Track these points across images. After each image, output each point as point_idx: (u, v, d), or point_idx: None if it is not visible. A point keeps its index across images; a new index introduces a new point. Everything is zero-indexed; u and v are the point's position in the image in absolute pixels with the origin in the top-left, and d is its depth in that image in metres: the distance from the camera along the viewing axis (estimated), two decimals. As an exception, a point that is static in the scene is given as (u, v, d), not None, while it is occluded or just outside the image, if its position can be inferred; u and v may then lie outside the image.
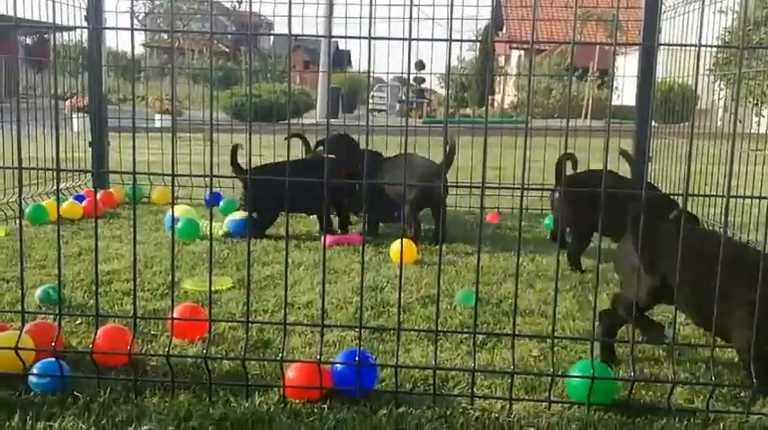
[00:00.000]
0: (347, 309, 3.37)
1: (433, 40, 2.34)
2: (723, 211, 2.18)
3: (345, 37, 2.26)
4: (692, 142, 2.26)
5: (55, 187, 5.87)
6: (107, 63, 7.01)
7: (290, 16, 2.23)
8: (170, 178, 2.36)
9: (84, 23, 6.26)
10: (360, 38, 2.17)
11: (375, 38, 2.24)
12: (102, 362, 2.46)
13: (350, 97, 20.27)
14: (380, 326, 3.09)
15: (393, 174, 4.79)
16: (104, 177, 6.48)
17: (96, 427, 2.14)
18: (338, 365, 2.39)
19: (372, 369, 2.41)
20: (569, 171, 4.28)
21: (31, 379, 2.36)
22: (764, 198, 2.17)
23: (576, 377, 2.35)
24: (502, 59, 37.99)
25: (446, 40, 2.22)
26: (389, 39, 2.43)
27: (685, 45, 2.05)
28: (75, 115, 8.33)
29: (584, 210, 3.88)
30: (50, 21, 5.53)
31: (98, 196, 5.82)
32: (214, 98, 9.08)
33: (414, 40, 2.22)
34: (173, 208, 2.43)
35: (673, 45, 5.43)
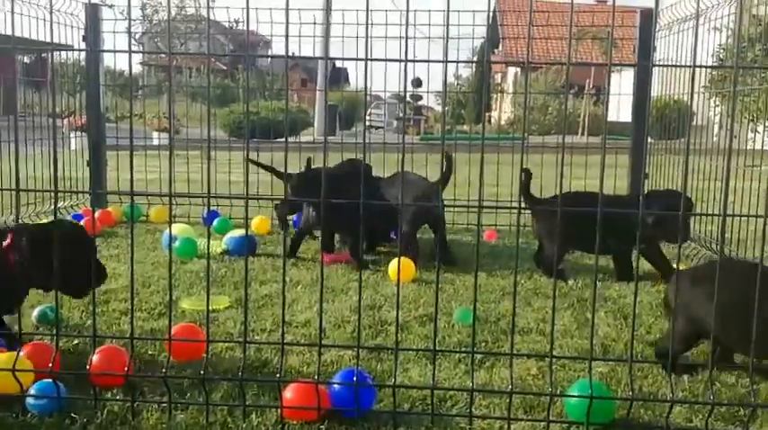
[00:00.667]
0: (345, 328, 3.36)
1: (429, 61, 2.35)
2: (720, 229, 2.19)
3: (343, 59, 2.27)
4: (688, 159, 2.27)
5: (53, 207, 5.89)
6: (105, 82, 7.02)
7: (287, 36, 2.25)
8: (165, 197, 2.36)
9: (82, 43, 6.28)
10: (357, 59, 2.18)
11: (372, 59, 2.25)
12: (99, 383, 2.45)
13: (347, 115, 20.31)
14: (378, 345, 3.08)
15: (390, 194, 4.79)
16: (102, 196, 6.48)
17: (93, 449, 2.12)
18: (336, 386, 2.38)
19: (370, 389, 2.41)
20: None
21: (29, 400, 2.35)
22: (760, 216, 2.17)
23: (575, 397, 2.34)
24: (499, 77, 38.18)
25: (442, 61, 2.24)
26: (386, 60, 2.43)
27: (680, 66, 2.07)
28: (73, 134, 8.34)
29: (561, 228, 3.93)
30: (48, 40, 5.56)
31: (96, 215, 5.83)
32: (212, 116, 9.11)
33: (410, 61, 2.23)
34: (170, 227, 2.42)
35: (667, 66, 5.47)
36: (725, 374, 2.81)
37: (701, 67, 2.26)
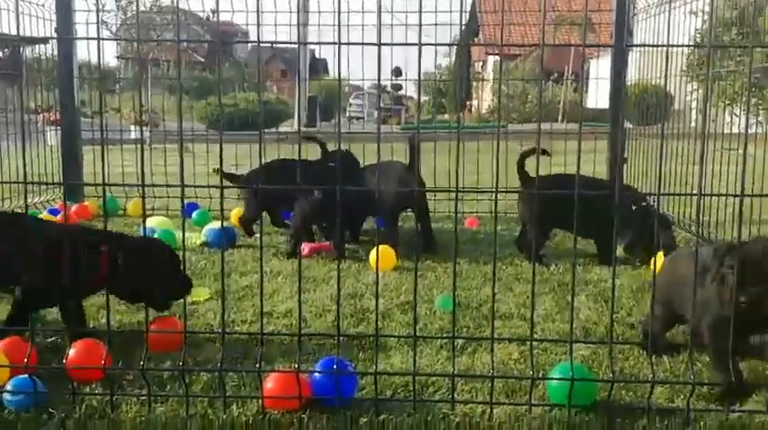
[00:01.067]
0: (326, 317, 3.34)
1: (404, 44, 2.33)
2: (696, 209, 2.19)
3: (318, 43, 2.24)
4: (665, 143, 2.27)
5: (29, 200, 5.81)
6: (79, 75, 6.93)
7: (258, 24, 2.21)
8: (144, 189, 2.33)
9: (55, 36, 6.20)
10: (330, 43, 2.15)
11: (345, 43, 2.23)
12: (77, 377, 2.42)
13: (327, 105, 20.23)
14: (359, 333, 3.06)
15: (370, 183, 4.78)
16: (79, 190, 6.40)
17: (71, 444, 2.09)
18: (317, 375, 2.37)
19: (351, 377, 2.39)
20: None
21: (5, 396, 2.31)
22: (736, 195, 2.17)
23: (556, 379, 2.34)
24: (479, 65, 38.16)
25: (416, 44, 2.21)
26: (361, 44, 2.41)
27: (655, 45, 2.06)
28: (48, 128, 8.24)
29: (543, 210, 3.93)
30: (19, 34, 5.48)
31: (73, 209, 5.76)
32: (191, 109, 9.05)
33: (384, 44, 2.21)
34: (144, 219, 2.39)
35: (641, 45, 5.48)
36: (706, 354, 2.82)
37: (674, 46, 2.26)
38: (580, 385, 2.27)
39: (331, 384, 2.32)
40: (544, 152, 4.17)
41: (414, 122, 23.37)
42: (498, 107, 3.36)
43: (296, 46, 21.21)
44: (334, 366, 2.32)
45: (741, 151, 2.35)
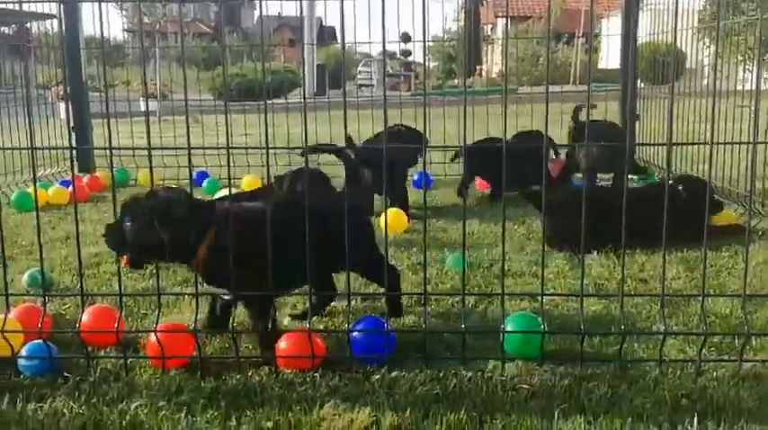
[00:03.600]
0: (338, 279, 3.34)
1: (407, -3, 2.29)
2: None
3: (319, -1, 2.21)
4: (677, 101, 2.23)
5: (40, 173, 5.83)
6: (86, 48, 6.91)
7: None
8: (154, 160, 2.33)
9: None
10: (333, -1, 2.12)
11: (349, -1, 2.19)
12: (90, 341, 2.44)
13: (336, 74, 20.10)
14: (369, 292, 3.06)
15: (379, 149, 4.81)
16: (90, 161, 6.42)
17: (87, 406, 2.12)
18: (356, 334, 2.38)
19: (391, 335, 2.41)
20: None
21: (21, 362, 2.34)
22: (748, 143, 2.14)
23: (567, 334, 2.34)
24: (488, 28, 37.72)
25: (421, -2, 2.18)
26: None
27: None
28: (60, 102, 8.26)
29: None
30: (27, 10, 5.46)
31: (84, 180, 5.79)
32: (198, 81, 9.01)
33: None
34: (151, 183, 2.39)
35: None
36: (718, 306, 2.81)
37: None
38: (530, 336, 2.33)
39: (368, 342, 2.37)
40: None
41: (422, 89, 23.21)
42: (506, 71, 3.35)
43: (304, 15, 21.04)
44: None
45: (753, 106, 2.31)
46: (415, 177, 5.72)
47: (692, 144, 2.30)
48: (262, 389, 2.21)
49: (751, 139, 2.18)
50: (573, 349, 2.41)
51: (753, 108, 2.24)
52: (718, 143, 2.22)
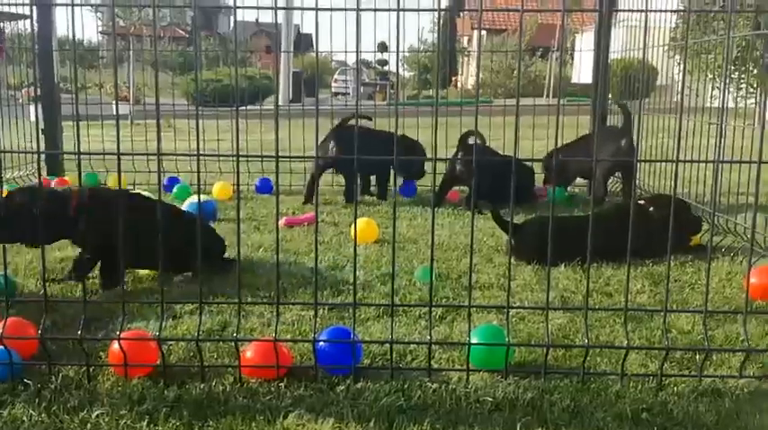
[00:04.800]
0: (306, 289, 3.34)
1: (378, 9, 2.31)
2: (673, 176, 2.19)
3: (292, 8, 2.22)
4: (649, 118, 2.27)
5: (8, 175, 5.75)
6: (59, 50, 6.85)
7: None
8: (125, 164, 2.31)
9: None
10: (305, 9, 2.13)
11: (322, 9, 2.21)
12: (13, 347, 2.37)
13: (312, 81, 20.09)
14: (336, 303, 3.06)
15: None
16: (58, 165, 6.35)
17: (47, 414, 2.09)
18: (323, 344, 2.37)
19: (357, 346, 2.40)
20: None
21: (-20, 368, 2.30)
22: (711, 161, 2.18)
23: (532, 346, 2.35)
24: (465, 40, 37.99)
25: (396, 10, 2.19)
26: (332, 10, 2.39)
27: (634, 11, 2.05)
28: (31, 104, 8.17)
29: None
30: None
31: (53, 183, 5.71)
32: (173, 85, 8.96)
33: (362, 10, 2.19)
34: (120, 189, 2.37)
35: (621, 11, 5.46)
36: (680, 321, 2.85)
37: (653, 11, 2.25)
38: (497, 349, 2.34)
39: (335, 353, 2.36)
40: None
41: (399, 98, 23.29)
42: (477, 83, 3.38)
43: (281, 22, 21.03)
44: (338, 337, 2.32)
45: (718, 122, 2.36)
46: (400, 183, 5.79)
47: (658, 161, 2.33)
48: (225, 399, 2.20)
49: (715, 158, 2.22)
50: (538, 361, 2.43)
51: (718, 127, 2.29)
52: (683, 161, 2.26)
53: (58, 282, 3.35)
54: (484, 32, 32.59)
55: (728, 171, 4.05)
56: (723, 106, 2.35)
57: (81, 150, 2.34)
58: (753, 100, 7.85)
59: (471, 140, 5.29)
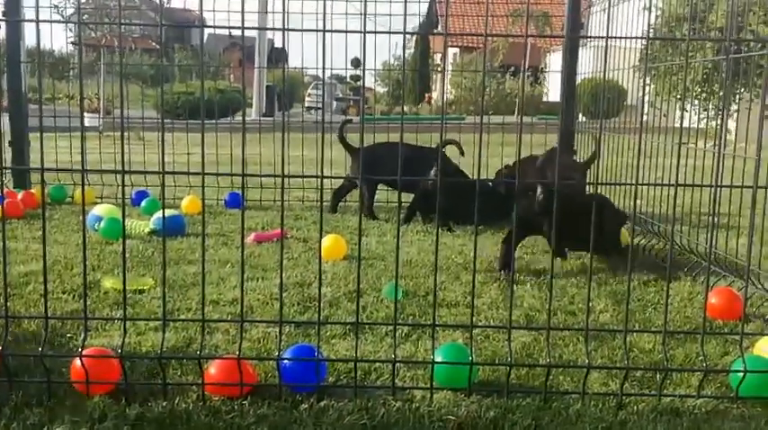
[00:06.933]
0: (273, 305, 3.33)
1: (347, 31, 2.33)
2: (633, 196, 2.24)
3: (259, 28, 2.24)
4: (615, 137, 2.32)
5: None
6: (29, 60, 6.78)
7: (201, 8, 2.20)
8: (92, 177, 2.30)
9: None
10: (275, 29, 2.14)
11: (289, 29, 2.22)
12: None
13: (286, 95, 20.10)
14: (302, 320, 3.06)
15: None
16: (25, 178, 6.28)
17: (6, 432, 2.07)
18: (286, 362, 2.37)
19: (321, 364, 2.40)
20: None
21: (-62, 384, 2.27)
22: (671, 185, 2.23)
23: (496, 365, 2.38)
24: (438, 57, 38.27)
25: (360, 32, 2.22)
26: (303, 30, 2.41)
27: (599, 37, 2.10)
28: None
29: None
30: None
31: (19, 197, 5.65)
32: (143, 96, 8.91)
33: (328, 31, 2.21)
34: (83, 204, 2.36)
35: (585, 37, 5.56)
36: (642, 341, 2.90)
37: (614, 37, 2.31)
38: (460, 367, 2.36)
39: (301, 371, 2.36)
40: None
41: (372, 114, 23.39)
42: (443, 101, 3.40)
43: (255, 36, 21.04)
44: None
45: (678, 142, 2.41)
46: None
47: (618, 184, 2.38)
48: (188, 417, 2.18)
49: (674, 181, 2.27)
50: (501, 380, 2.45)
51: (676, 149, 2.34)
52: (642, 184, 2.30)
53: None
54: (456, 50, 32.89)
55: (690, 191, 4.15)
56: (682, 130, 2.40)
57: (46, 164, 2.32)
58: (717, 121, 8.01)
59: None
